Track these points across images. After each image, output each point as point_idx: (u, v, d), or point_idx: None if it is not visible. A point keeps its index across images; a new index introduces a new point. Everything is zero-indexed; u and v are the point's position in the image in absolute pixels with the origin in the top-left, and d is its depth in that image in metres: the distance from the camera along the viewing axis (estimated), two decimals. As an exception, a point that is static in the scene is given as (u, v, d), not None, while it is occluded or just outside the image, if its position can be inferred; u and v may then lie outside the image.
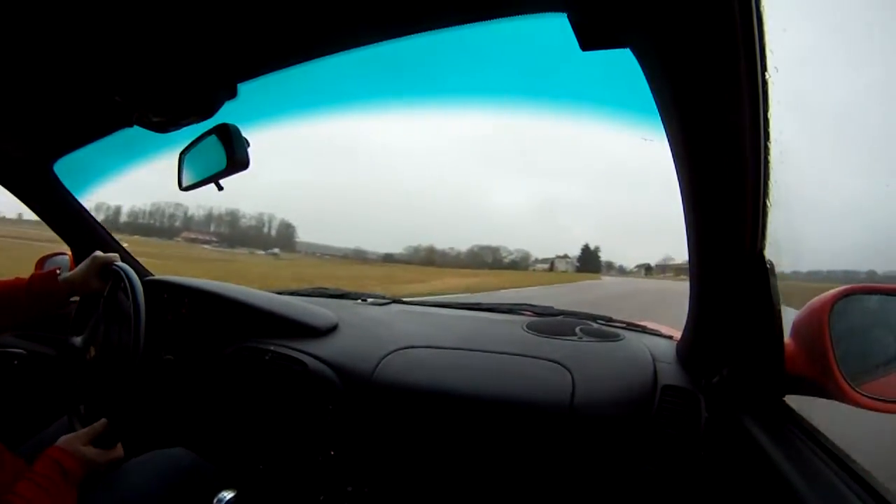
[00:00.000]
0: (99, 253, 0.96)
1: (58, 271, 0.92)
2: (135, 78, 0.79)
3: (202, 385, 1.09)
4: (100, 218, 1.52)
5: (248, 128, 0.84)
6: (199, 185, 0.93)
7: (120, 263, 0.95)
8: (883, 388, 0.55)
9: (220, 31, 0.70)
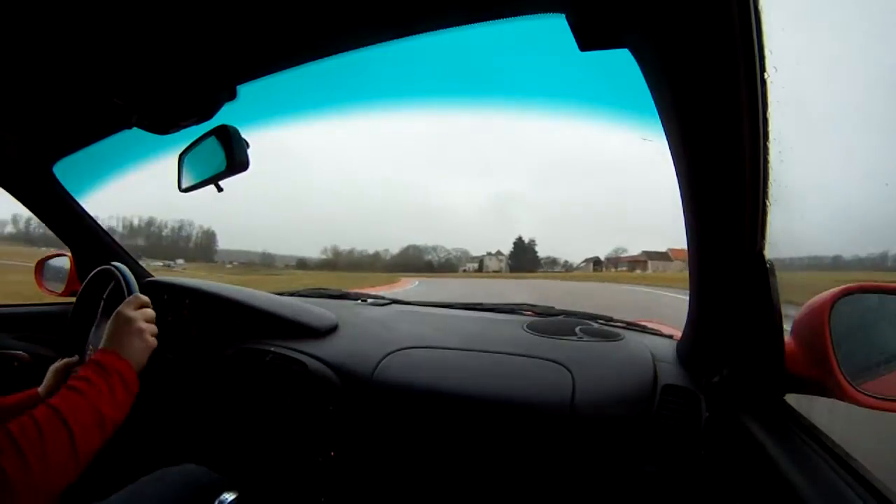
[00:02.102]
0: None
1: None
2: (134, 80, 0.79)
3: (202, 386, 1.09)
4: None
5: (248, 129, 0.84)
6: (198, 186, 0.94)
7: (117, 264, 0.95)
8: (884, 387, 0.55)
9: (220, 33, 0.70)
